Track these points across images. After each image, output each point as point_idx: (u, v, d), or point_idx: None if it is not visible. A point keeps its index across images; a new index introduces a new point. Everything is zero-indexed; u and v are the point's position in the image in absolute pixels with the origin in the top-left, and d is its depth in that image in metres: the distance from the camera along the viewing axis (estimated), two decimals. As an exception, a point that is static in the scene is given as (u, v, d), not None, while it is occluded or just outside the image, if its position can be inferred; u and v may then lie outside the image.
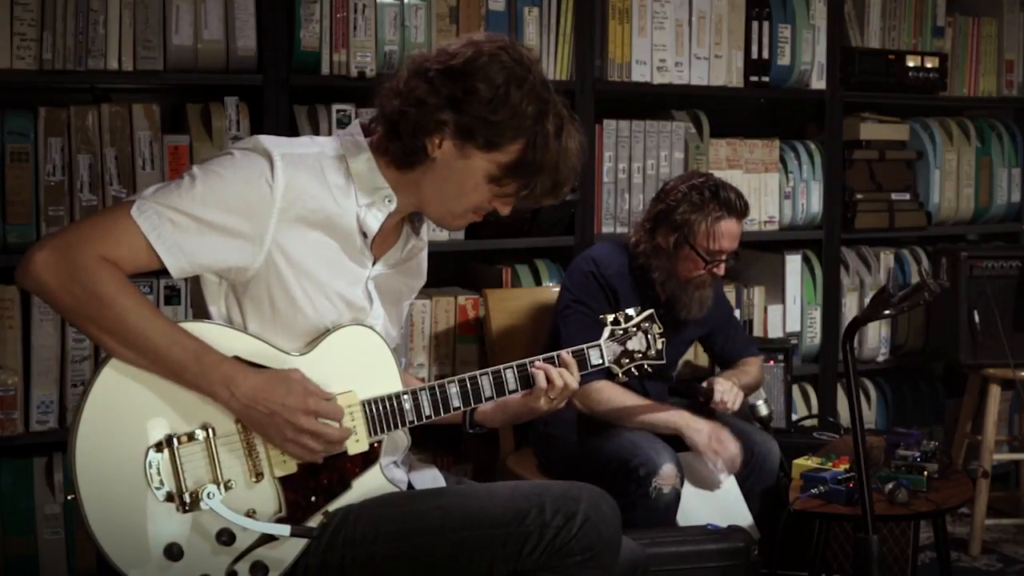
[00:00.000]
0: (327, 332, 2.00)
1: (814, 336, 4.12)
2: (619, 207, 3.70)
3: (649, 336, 2.29)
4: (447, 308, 3.48)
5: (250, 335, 1.97)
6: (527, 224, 3.53)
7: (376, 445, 2.03)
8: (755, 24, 3.90)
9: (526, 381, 2.15)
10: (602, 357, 2.24)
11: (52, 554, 3.03)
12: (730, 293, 3.80)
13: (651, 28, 3.71)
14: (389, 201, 2.03)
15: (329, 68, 3.25)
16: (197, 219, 1.90)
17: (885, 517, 2.95)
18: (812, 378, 4.14)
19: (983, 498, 3.83)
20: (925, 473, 2.98)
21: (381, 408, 2.02)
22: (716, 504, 2.97)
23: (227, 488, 1.92)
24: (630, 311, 2.29)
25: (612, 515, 1.99)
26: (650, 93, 3.80)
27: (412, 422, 2.06)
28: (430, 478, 2.22)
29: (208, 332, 1.94)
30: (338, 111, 3.26)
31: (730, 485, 3.00)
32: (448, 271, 3.67)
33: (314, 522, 1.97)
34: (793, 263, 4.07)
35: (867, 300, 3.83)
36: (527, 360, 2.15)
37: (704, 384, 3.10)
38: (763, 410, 3.24)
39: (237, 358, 1.94)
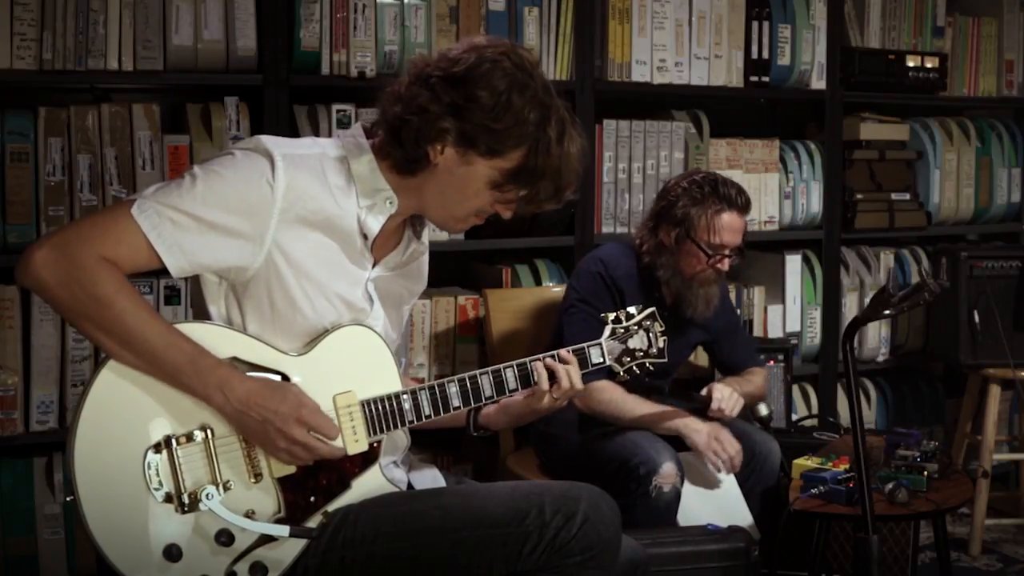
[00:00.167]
0: (326, 332, 2.00)
1: (814, 336, 4.12)
2: (619, 207, 3.70)
3: (650, 334, 2.28)
4: (447, 308, 3.48)
5: (249, 336, 1.97)
6: (527, 224, 3.53)
7: (376, 445, 2.03)
8: (755, 24, 3.90)
9: (526, 380, 2.14)
10: (603, 356, 2.23)
11: (52, 554, 3.03)
12: (730, 293, 3.79)
13: (651, 28, 3.71)
14: (390, 203, 2.03)
15: (329, 68, 3.25)
16: (197, 219, 1.90)
17: (885, 517, 2.95)
18: (812, 378, 4.14)
19: (983, 498, 3.83)
20: (925, 473, 2.98)
21: (380, 408, 2.02)
22: (716, 504, 2.97)
23: (226, 489, 1.92)
24: (631, 309, 2.28)
25: (612, 515, 1.99)
26: (650, 93, 3.80)
27: (412, 422, 2.06)
28: (430, 478, 2.22)
29: (207, 333, 1.94)
30: (338, 111, 3.26)
31: (730, 485, 3.00)
32: (448, 271, 3.67)
33: (313, 522, 1.97)
34: (793, 263, 4.07)
35: (867, 300, 3.83)
36: (527, 359, 2.15)
37: (703, 391, 3.07)
38: (763, 410, 3.24)
39: (236, 359, 1.94)
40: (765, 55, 3.92)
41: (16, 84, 3.00)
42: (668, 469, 2.85)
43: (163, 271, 1.92)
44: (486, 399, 2.12)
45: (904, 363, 4.36)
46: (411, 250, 2.14)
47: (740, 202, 3.05)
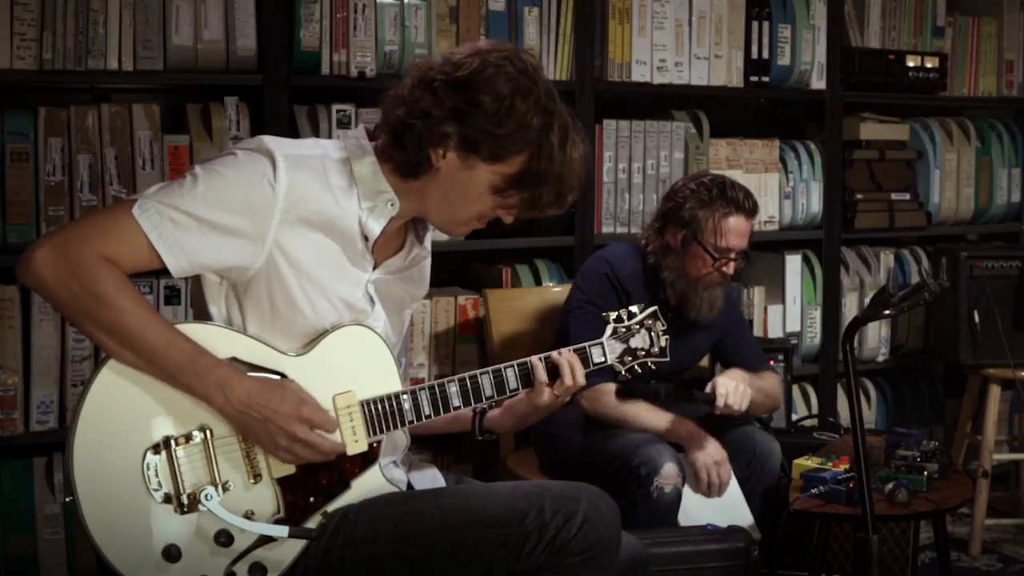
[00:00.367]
0: (326, 332, 2.00)
1: (814, 336, 4.12)
2: (619, 207, 3.70)
3: (653, 333, 2.27)
4: (447, 308, 3.48)
5: (249, 336, 1.97)
6: (527, 224, 3.53)
7: (375, 445, 2.03)
8: (755, 24, 3.90)
9: (527, 380, 2.14)
10: (604, 355, 2.23)
11: (52, 554, 3.03)
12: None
13: (651, 28, 3.71)
14: (392, 205, 2.03)
15: (329, 68, 3.25)
16: (198, 218, 1.90)
17: (885, 517, 2.95)
18: (812, 378, 4.14)
19: (983, 498, 3.83)
20: (925, 473, 2.98)
21: (380, 408, 2.02)
22: (716, 504, 2.97)
23: (225, 489, 1.92)
24: (633, 308, 2.28)
25: (612, 515, 1.99)
26: (650, 93, 3.80)
27: (411, 422, 2.05)
28: (429, 478, 2.22)
29: (207, 333, 1.94)
30: (338, 111, 3.26)
31: (731, 485, 2.99)
32: (448, 271, 3.67)
33: (313, 523, 1.97)
34: (793, 263, 4.07)
35: (867, 300, 3.83)
36: (528, 359, 2.15)
37: (707, 388, 2.97)
38: (763, 410, 3.24)
39: (235, 359, 1.94)
40: (765, 55, 3.92)
41: (16, 84, 3.00)
42: (669, 470, 2.85)
43: (163, 271, 1.92)
44: (486, 399, 2.12)
45: (904, 363, 4.35)
46: (413, 254, 2.14)
47: (748, 206, 3.04)
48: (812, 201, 4.08)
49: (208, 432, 1.92)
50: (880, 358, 4.28)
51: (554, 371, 2.14)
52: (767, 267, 4.06)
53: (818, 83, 4.05)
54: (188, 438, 1.91)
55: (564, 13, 3.55)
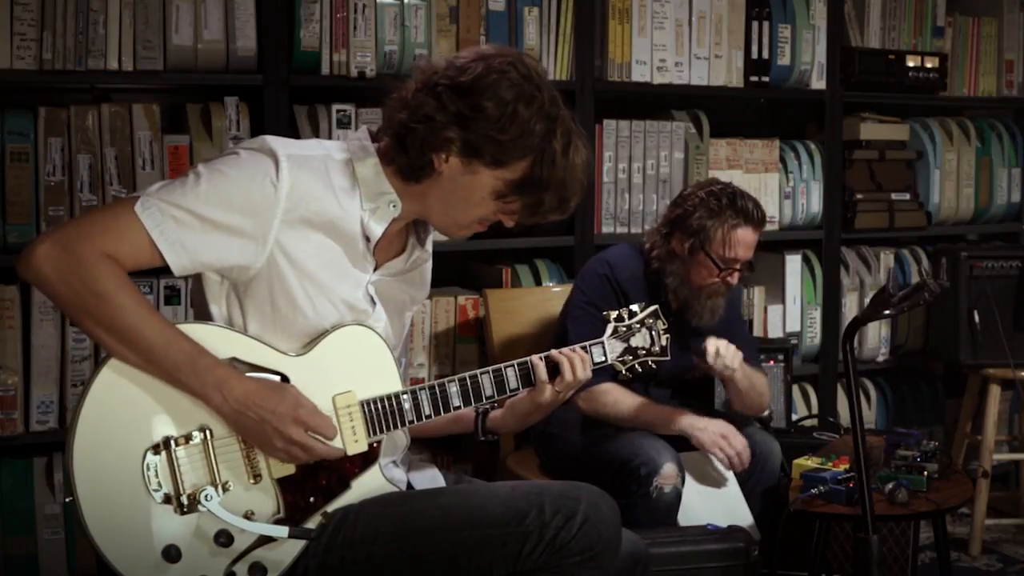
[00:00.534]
0: (326, 332, 2.00)
1: (814, 336, 4.12)
2: (619, 207, 3.70)
3: (653, 332, 2.27)
4: (447, 308, 3.48)
5: (250, 336, 1.97)
6: (527, 224, 3.52)
7: (375, 445, 2.03)
8: (755, 24, 3.90)
9: (527, 379, 2.15)
10: (605, 354, 2.23)
11: (52, 554, 3.03)
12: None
13: (651, 28, 3.71)
14: (394, 207, 2.03)
15: (329, 68, 3.25)
16: (200, 217, 1.90)
17: (885, 517, 2.95)
18: (812, 378, 4.14)
19: (983, 498, 3.83)
20: (925, 473, 2.98)
21: (380, 408, 2.02)
22: (717, 504, 2.97)
23: (225, 490, 1.92)
24: (634, 307, 2.27)
25: (612, 515, 1.99)
26: (650, 93, 3.80)
27: (412, 422, 2.05)
28: (429, 478, 2.22)
29: (207, 333, 1.94)
30: (338, 111, 3.26)
31: (731, 485, 3.00)
32: (448, 271, 3.67)
33: (313, 523, 1.97)
34: (793, 263, 4.07)
35: (867, 300, 3.83)
36: (528, 359, 2.15)
37: (702, 345, 2.93)
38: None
39: (235, 359, 1.94)
40: (765, 55, 3.92)
41: (16, 84, 3.00)
42: (669, 470, 2.84)
43: (163, 270, 1.92)
44: (487, 398, 2.12)
45: (904, 363, 4.35)
46: (414, 257, 2.14)
47: (756, 217, 3.03)
48: (812, 201, 4.08)
49: (208, 432, 1.92)
50: (880, 358, 4.28)
51: (555, 369, 2.15)
52: (767, 267, 4.06)
53: (818, 83, 4.05)
54: (188, 438, 1.91)
55: (564, 13, 3.55)
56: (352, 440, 1.99)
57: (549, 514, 1.93)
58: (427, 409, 2.06)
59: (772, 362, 3.61)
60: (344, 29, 3.24)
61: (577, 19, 3.57)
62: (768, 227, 3.96)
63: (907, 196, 4.25)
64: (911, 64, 4.16)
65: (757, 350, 3.39)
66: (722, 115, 3.97)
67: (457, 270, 3.72)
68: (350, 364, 2.01)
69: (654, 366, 2.30)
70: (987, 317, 3.89)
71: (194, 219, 1.90)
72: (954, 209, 4.39)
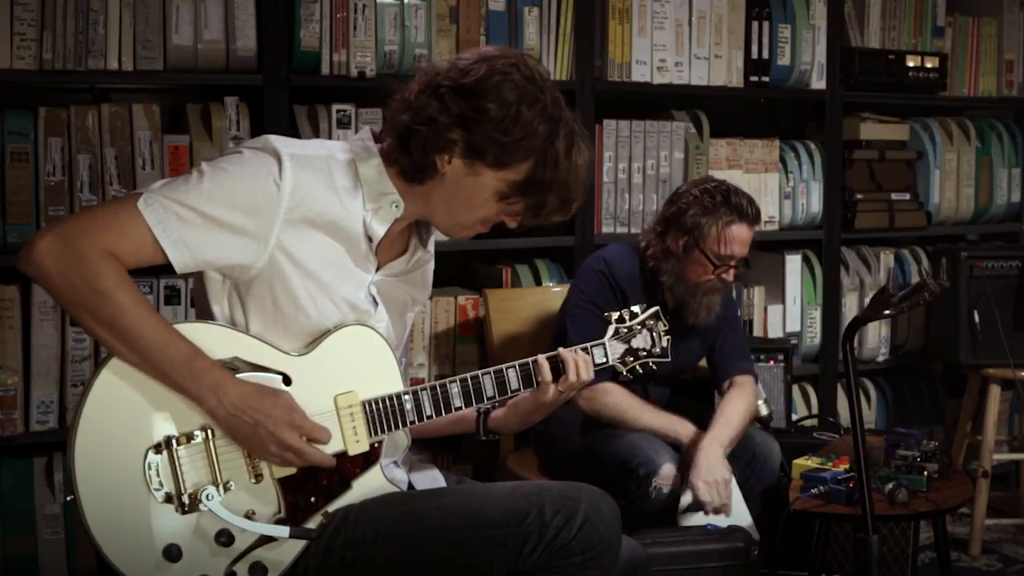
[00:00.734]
0: (328, 332, 2.00)
1: (814, 336, 4.12)
2: (619, 207, 3.70)
3: (654, 334, 2.28)
4: (447, 308, 3.48)
5: (251, 336, 1.97)
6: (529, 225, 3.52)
7: (376, 445, 2.03)
8: (755, 24, 3.90)
9: (528, 380, 2.15)
10: (606, 356, 2.24)
11: (52, 554, 3.03)
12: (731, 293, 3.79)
13: (651, 28, 3.71)
14: (396, 207, 2.03)
15: (329, 68, 3.25)
16: (203, 215, 1.90)
17: (885, 517, 2.94)
18: (812, 378, 4.14)
19: (983, 498, 3.83)
20: (925, 473, 2.97)
21: (382, 408, 2.02)
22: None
23: (226, 489, 1.92)
24: (635, 308, 2.28)
25: (612, 515, 1.99)
26: (650, 93, 3.80)
27: (413, 422, 2.06)
28: (430, 478, 2.22)
29: (208, 333, 1.94)
30: (338, 111, 3.26)
31: (730, 485, 2.99)
32: (448, 271, 3.66)
33: (314, 523, 1.97)
34: (793, 263, 4.07)
35: (867, 300, 3.83)
36: (530, 359, 2.15)
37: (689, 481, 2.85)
38: (763, 410, 3.24)
39: (236, 359, 1.94)
40: (765, 55, 3.92)
41: (16, 84, 3.01)
42: (668, 470, 2.85)
43: (164, 270, 1.92)
44: (488, 399, 2.12)
45: (904, 363, 4.36)
46: (416, 257, 2.14)
47: (751, 213, 3.03)
48: (812, 201, 4.08)
49: (209, 432, 1.92)
50: (880, 358, 4.28)
51: (557, 369, 2.15)
52: (767, 267, 4.06)
53: (818, 83, 4.05)
54: (189, 438, 1.91)
55: (564, 13, 3.55)
56: (353, 440, 1.99)
57: (549, 514, 1.93)
58: (428, 409, 2.06)
59: (772, 362, 3.61)
60: (344, 29, 3.24)
61: (577, 19, 3.57)
62: (768, 227, 3.98)
63: (907, 196, 4.25)
64: (911, 64, 4.16)
65: (749, 355, 3.34)
66: (722, 115, 3.97)
67: (457, 270, 3.72)
68: (352, 364, 2.01)
69: (655, 367, 2.30)
70: (987, 317, 3.89)
71: (197, 216, 1.90)
72: (954, 209, 4.39)
